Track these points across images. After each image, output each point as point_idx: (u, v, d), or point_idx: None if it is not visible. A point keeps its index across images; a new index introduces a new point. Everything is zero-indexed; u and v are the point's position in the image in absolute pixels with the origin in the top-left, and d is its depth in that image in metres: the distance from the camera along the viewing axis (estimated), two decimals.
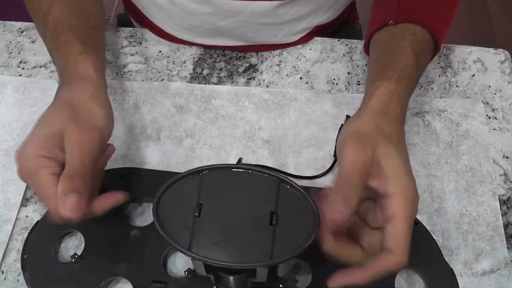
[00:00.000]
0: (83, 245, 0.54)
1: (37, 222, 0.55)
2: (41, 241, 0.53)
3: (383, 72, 0.52)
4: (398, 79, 0.51)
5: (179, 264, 0.54)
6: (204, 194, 0.44)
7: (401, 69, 0.52)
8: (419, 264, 0.52)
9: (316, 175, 0.59)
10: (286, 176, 0.45)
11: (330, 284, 0.43)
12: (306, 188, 0.45)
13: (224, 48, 0.70)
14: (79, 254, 0.52)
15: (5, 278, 0.53)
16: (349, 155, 0.44)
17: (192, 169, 0.45)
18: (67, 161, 0.45)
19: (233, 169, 0.45)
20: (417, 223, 0.54)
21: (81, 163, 0.45)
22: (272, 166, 0.60)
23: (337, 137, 0.60)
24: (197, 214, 0.44)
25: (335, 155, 0.60)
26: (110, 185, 0.51)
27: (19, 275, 0.53)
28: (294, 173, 0.59)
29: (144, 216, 0.57)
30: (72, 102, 0.49)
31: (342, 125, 0.60)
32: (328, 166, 0.60)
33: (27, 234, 0.54)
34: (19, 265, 0.53)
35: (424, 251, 0.53)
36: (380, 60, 0.55)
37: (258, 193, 0.44)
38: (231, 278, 0.46)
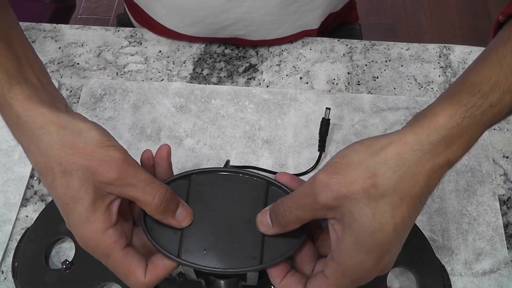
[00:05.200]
0: (73, 252, 0.53)
1: (28, 229, 0.54)
2: (31, 248, 0.53)
3: (457, 91, 0.37)
4: (472, 110, 0.35)
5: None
6: (192, 199, 0.44)
7: (483, 94, 0.36)
8: (411, 261, 0.52)
9: (301, 172, 0.59)
10: (276, 179, 0.45)
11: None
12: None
13: (225, 41, 0.70)
14: (70, 260, 0.51)
15: (5, 278, 0.53)
16: (317, 183, 0.37)
17: (180, 174, 0.45)
18: (137, 200, 0.40)
19: (221, 173, 0.45)
20: None
21: (147, 188, 0.40)
22: (263, 167, 0.60)
23: (319, 130, 0.59)
24: None
25: (319, 150, 0.60)
26: None
27: None
28: (295, 173, 0.59)
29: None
30: (64, 159, 0.39)
31: (323, 118, 0.60)
32: None
33: (17, 242, 0.54)
34: None
35: (415, 248, 0.53)
36: (468, 69, 0.39)
37: (247, 196, 0.44)
38: (222, 282, 0.46)
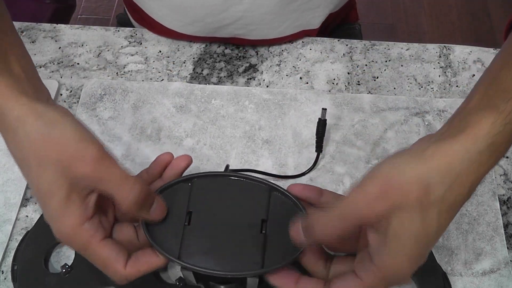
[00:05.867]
0: (73, 256, 0.53)
1: (27, 232, 0.54)
2: (31, 251, 0.53)
3: (491, 96, 0.37)
4: (510, 116, 0.35)
5: (171, 272, 0.53)
6: (194, 202, 0.44)
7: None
8: None
9: (299, 174, 0.59)
10: (278, 185, 0.44)
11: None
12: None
13: (226, 41, 0.70)
14: (69, 264, 0.51)
15: (5, 278, 0.53)
16: (365, 194, 0.37)
17: (182, 177, 0.45)
18: (114, 196, 0.40)
19: (224, 177, 0.45)
20: None
21: (125, 184, 0.40)
22: (263, 171, 0.60)
23: (316, 130, 0.59)
24: (186, 223, 0.43)
25: (317, 150, 0.60)
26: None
27: None
28: (295, 174, 0.59)
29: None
30: (39, 152, 0.39)
31: (319, 119, 0.59)
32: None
33: (17, 245, 0.54)
34: None
35: None
36: (495, 72, 0.39)
37: (249, 201, 0.44)
38: (222, 287, 0.45)
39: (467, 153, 0.36)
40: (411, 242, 0.36)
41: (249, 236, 0.43)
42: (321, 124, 0.59)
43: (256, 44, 0.70)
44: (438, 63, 0.69)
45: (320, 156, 0.60)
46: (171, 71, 0.68)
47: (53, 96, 0.65)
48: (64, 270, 0.51)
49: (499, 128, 0.35)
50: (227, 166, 0.55)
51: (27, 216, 0.57)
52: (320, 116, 0.59)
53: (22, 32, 0.71)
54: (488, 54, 0.70)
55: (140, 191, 0.40)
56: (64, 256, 0.54)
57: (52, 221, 0.40)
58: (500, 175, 0.61)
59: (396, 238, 0.36)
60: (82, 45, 0.71)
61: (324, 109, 0.58)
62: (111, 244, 0.41)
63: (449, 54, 0.70)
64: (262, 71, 0.69)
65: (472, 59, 0.70)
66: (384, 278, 0.38)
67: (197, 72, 0.68)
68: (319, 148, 0.60)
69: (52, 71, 0.68)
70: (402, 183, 0.36)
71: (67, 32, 0.72)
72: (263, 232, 0.43)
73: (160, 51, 0.70)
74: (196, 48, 0.71)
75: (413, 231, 0.36)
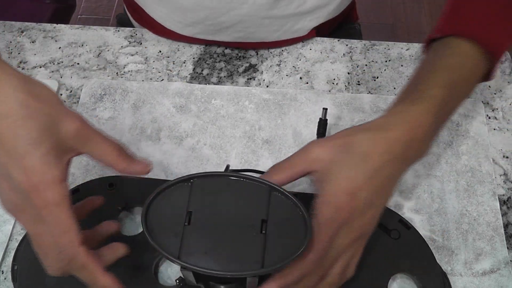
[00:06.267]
0: None
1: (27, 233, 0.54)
2: (31, 252, 0.53)
3: (405, 91, 0.49)
4: (416, 99, 0.47)
5: (171, 272, 0.53)
6: (194, 202, 0.44)
7: (423, 89, 0.47)
8: (412, 269, 0.52)
9: None
10: (278, 185, 0.44)
11: None
12: (295, 194, 0.44)
13: (225, 44, 0.70)
14: None
15: (5, 278, 0.53)
16: (309, 151, 0.46)
17: (182, 177, 0.45)
18: (100, 151, 0.42)
19: (224, 177, 0.45)
20: (409, 228, 0.54)
21: (108, 138, 0.43)
22: (263, 170, 0.60)
23: (317, 130, 0.59)
24: (186, 223, 0.43)
25: None
26: (99, 194, 0.51)
27: None
28: None
29: (134, 225, 0.56)
30: (31, 103, 0.39)
31: (320, 118, 0.59)
32: None
33: (17, 245, 0.54)
34: None
35: (417, 255, 0.53)
36: (414, 77, 0.50)
37: (249, 200, 0.44)
38: (222, 287, 0.45)
39: (380, 118, 0.46)
40: (343, 171, 0.44)
41: (249, 236, 0.43)
42: (322, 124, 0.59)
43: (255, 47, 0.70)
44: None
45: None
46: (171, 71, 0.68)
47: None
48: None
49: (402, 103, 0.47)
50: (228, 166, 0.55)
51: None
52: (321, 116, 0.59)
53: (22, 32, 0.72)
54: None
55: (120, 146, 0.43)
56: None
57: (32, 172, 0.38)
58: (500, 175, 0.61)
59: (329, 171, 0.44)
60: (82, 45, 0.71)
61: (325, 109, 0.58)
62: (74, 216, 0.40)
63: None
64: (262, 71, 0.69)
65: None
66: (330, 202, 0.43)
67: (197, 72, 0.68)
68: None
69: (52, 71, 0.68)
70: (335, 137, 0.46)
71: (67, 32, 0.72)
72: (263, 232, 0.43)
73: (160, 51, 0.70)
74: (196, 48, 0.71)
75: (343, 161, 0.44)
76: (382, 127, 0.46)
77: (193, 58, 0.70)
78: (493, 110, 0.66)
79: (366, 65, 0.69)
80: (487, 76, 0.52)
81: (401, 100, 0.48)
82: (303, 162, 0.45)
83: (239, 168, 0.59)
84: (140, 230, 0.55)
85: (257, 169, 0.59)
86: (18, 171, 0.38)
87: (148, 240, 0.43)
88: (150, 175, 0.46)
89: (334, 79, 0.68)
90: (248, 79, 0.68)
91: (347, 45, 0.71)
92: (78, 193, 0.56)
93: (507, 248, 0.55)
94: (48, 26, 0.72)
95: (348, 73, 0.68)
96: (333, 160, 0.44)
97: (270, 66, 0.69)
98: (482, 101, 0.66)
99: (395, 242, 0.53)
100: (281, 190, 0.44)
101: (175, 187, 0.45)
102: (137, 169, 0.43)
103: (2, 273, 0.54)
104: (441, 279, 0.52)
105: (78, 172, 0.59)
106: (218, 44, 0.71)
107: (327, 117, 0.59)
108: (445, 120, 0.49)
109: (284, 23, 0.68)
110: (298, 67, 0.69)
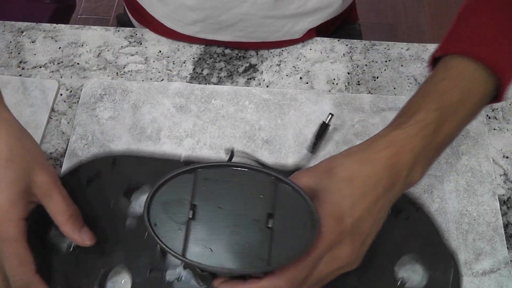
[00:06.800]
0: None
1: (33, 209, 0.53)
2: (38, 229, 0.52)
3: (394, 118, 0.48)
4: (399, 124, 0.45)
5: (170, 272, 0.53)
6: (198, 194, 0.43)
7: (410, 114, 0.46)
8: (421, 250, 0.51)
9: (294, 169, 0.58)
10: (284, 176, 0.43)
11: None
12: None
13: (225, 44, 0.70)
14: (74, 244, 0.51)
15: None
16: (295, 181, 0.44)
17: (185, 168, 0.43)
18: (54, 208, 0.48)
19: (229, 167, 0.43)
20: (418, 209, 0.53)
21: (68, 201, 0.49)
22: (265, 163, 0.60)
23: (317, 132, 0.59)
24: (191, 216, 0.42)
25: (310, 150, 0.60)
26: (101, 172, 0.50)
27: None
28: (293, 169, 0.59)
29: (138, 205, 0.56)
30: (15, 148, 0.47)
31: (323, 121, 0.59)
32: None
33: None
34: None
35: (425, 236, 0.52)
36: (405, 103, 0.49)
37: (255, 193, 0.43)
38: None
39: (368, 141, 0.46)
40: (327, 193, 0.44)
41: (255, 231, 0.42)
42: (323, 127, 0.59)
43: (255, 47, 0.70)
44: None
45: (321, 156, 0.60)
46: (171, 71, 0.68)
47: (53, 96, 0.65)
48: (71, 249, 0.51)
49: (390, 131, 0.46)
50: (232, 152, 0.52)
51: None
52: (324, 119, 0.59)
53: (22, 32, 0.72)
54: None
55: (77, 210, 0.49)
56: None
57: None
58: (500, 175, 0.61)
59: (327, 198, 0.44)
60: (82, 45, 0.71)
61: (331, 114, 0.58)
62: (29, 249, 0.46)
63: None
64: (262, 71, 0.69)
65: None
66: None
67: (197, 72, 0.68)
68: (314, 149, 0.60)
69: (52, 71, 0.68)
70: (326, 161, 0.46)
71: (67, 32, 0.72)
72: (269, 226, 0.42)
73: (160, 51, 0.70)
74: (196, 48, 0.71)
75: (329, 187, 0.44)
76: (366, 150, 0.45)
77: (193, 58, 0.70)
78: (493, 110, 0.66)
79: (366, 65, 0.69)
80: (497, 96, 0.47)
81: (389, 125, 0.47)
82: None
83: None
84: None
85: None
86: None
87: (152, 234, 0.42)
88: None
89: (334, 79, 0.68)
90: (248, 79, 0.68)
91: (347, 45, 0.71)
92: (78, 173, 0.55)
93: (507, 248, 0.55)
94: (48, 26, 0.72)
95: (348, 73, 0.68)
96: (319, 186, 0.44)
97: (270, 66, 0.69)
98: None
99: (404, 223, 0.52)
100: (288, 181, 0.42)
101: (178, 178, 0.43)
102: (77, 239, 0.48)
103: None
104: (450, 260, 0.51)
105: None
106: (218, 44, 0.71)
107: (330, 124, 0.58)
108: (443, 144, 0.46)
109: (285, 23, 0.68)
110: (298, 67, 0.69)
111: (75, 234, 0.48)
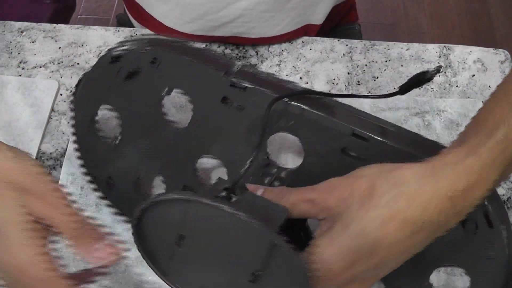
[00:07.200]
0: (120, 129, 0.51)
1: (81, 78, 0.50)
2: (87, 102, 0.50)
3: (465, 130, 0.38)
4: (476, 148, 0.35)
5: (214, 175, 0.52)
6: (188, 226, 0.38)
7: (488, 130, 0.35)
8: (473, 269, 0.43)
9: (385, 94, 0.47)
10: (283, 237, 0.35)
11: None
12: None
13: (224, 40, 0.70)
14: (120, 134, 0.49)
15: None
16: (327, 184, 0.38)
17: (179, 195, 0.38)
18: (59, 223, 0.38)
19: (221, 210, 0.36)
20: (491, 225, 0.40)
21: (72, 212, 0.38)
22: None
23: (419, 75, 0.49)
24: (177, 245, 0.39)
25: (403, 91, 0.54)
26: (140, 70, 0.46)
27: None
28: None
29: (176, 111, 0.53)
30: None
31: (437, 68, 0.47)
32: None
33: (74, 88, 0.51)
34: None
35: (486, 261, 0.42)
36: (481, 109, 0.38)
37: (247, 245, 0.37)
38: None
39: (422, 170, 0.35)
40: (345, 234, 0.36)
41: (240, 282, 0.38)
42: (433, 72, 0.51)
43: (255, 43, 0.70)
44: (438, 63, 0.69)
45: None
46: None
47: (53, 97, 0.65)
48: (118, 139, 0.49)
49: (461, 159, 0.35)
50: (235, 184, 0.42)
51: None
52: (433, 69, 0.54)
53: (22, 32, 0.72)
54: (488, 54, 0.70)
55: (82, 217, 0.39)
56: (111, 126, 0.53)
57: (12, 253, 0.37)
58: None
59: (333, 229, 0.37)
60: (82, 45, 0.71)
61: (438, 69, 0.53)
62: (65, 277, 0.38)
63: (449, 54, 0.70)
64: None
65: (472, 59, 0.70)
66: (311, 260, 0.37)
67: None
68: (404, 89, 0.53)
69: (52, 71, 0.68)
70: (355, 181, 0.37)
71: (67, 32, 0.72)
72: (255, 282, 0.38)
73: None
74: None
75: (348, 225, 0.36)
76: (423, 181, 0.35)
77: None
78: None
79: (366, 65, 0.69)
80: None
81: (460, 143, 0.36)
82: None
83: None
84: (187, 120, 0.49)
85: None
86: (3, 256, 0.37)
87: (140, 252, 0.40)
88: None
89: (334, 79, 0.68)
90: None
91: (347, 45, 0.71)
92: (119, 61, 0.48)
93: None
94: (48, 26, 0.72)
95: (348, 73, 0.68)
96: (347, 211, 0.37)
97: (270, 66, 0.69)
98: (482, 101, 0.66)
99: (465, 234, 0.41)
100: (285, 245, 0.35)
101: (171, 202, 0.39)
102: (85, 255, 0.38)
103: None
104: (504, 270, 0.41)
105: (78, 172, 0.59)
106: (217, 40, 0.70)
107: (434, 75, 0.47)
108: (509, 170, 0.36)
109: (285, 16, 0.68)
110: (298, 67, 0.69)
111: (83, 252, 0.39)
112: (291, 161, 0.49)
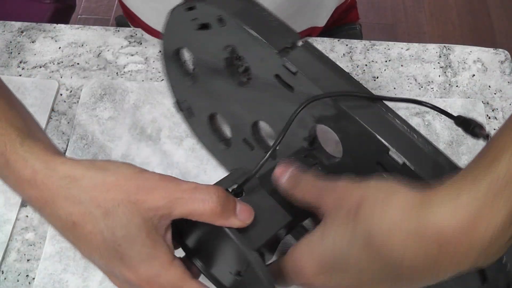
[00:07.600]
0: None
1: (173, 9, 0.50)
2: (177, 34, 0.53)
3: (477, 161, 0.33)
4: (494, 190, 0.29)
5: (269, 132, 0.52)
6: (193, 243, 0.40)
7: (487, 163, 0.31)
8: None
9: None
10: (255, 258, 0.35)
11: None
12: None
13: None
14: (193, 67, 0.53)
15: (5, 278, 0.53)
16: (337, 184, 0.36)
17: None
18: (189, 207, 0.36)
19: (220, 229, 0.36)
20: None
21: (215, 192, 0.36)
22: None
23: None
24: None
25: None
26: (210, 25, 0.46)
27: (19, 275, 0.53)
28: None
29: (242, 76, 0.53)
30: (102, 199, 0.35)
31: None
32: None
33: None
34: (19, 265, 0.53)
35: None
36: (495, 135, 0.33)
37: (232, 251, 0.37)
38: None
39: (409, 201, 0.31)
40: (320, 240, 0.35)
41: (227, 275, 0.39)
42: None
43: None
44: (438, 63, 0.69)
45: None
46: None
47: (53, 96, 0.65)
48: (193, 71, 0.54)
49: (454, 197, 0.30)
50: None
51: (27, 216, 0.57)
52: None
53: (22, 32, 0.72)
54: (488, 54, 0.70)
55: (217, 193, 0.36)
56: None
57: (138, 268, 0.36)
58: None
59: (317, 231, 0.36)
60: (82, 45, 0.71)
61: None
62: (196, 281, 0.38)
63: (449, 54, 0.70)
64: None
65: (472, 59, 0.70)
66: (284, 267, 0.37)
67: None
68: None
69: (52, 71, 0.68)
70: (354, 188, 0.35)
71: (67, 32, 0.72)
72: (237, 279, 0.38)
73: (160, 51, 0.70)
74: None
75: (327, 232, 0.35)
76: (416, 214, 0.30)
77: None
78: (493, 110, 0.66)
79: (366, 65, 0.69)
80: None
81: (462, 174, 0.32)
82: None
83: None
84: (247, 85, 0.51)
85: None
86: (127, 271, 0.36)
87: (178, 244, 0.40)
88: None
89: None
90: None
91: (347, 45, 0.71)
92: (193, 11, 0.48)
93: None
94: (48, 26, 0.72)
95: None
96: (331, 216, 0.36)
97: None
98: (482, 101, 0.66)
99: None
100: (256, 265, 0.35)
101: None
102: (235, 224, 0.37)
103: (2, 273, 0.54)
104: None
105: None
106: None
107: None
108: None
109: (291, 22, 0.68)
110: None
111: (232, 223, 0.36)
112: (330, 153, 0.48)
